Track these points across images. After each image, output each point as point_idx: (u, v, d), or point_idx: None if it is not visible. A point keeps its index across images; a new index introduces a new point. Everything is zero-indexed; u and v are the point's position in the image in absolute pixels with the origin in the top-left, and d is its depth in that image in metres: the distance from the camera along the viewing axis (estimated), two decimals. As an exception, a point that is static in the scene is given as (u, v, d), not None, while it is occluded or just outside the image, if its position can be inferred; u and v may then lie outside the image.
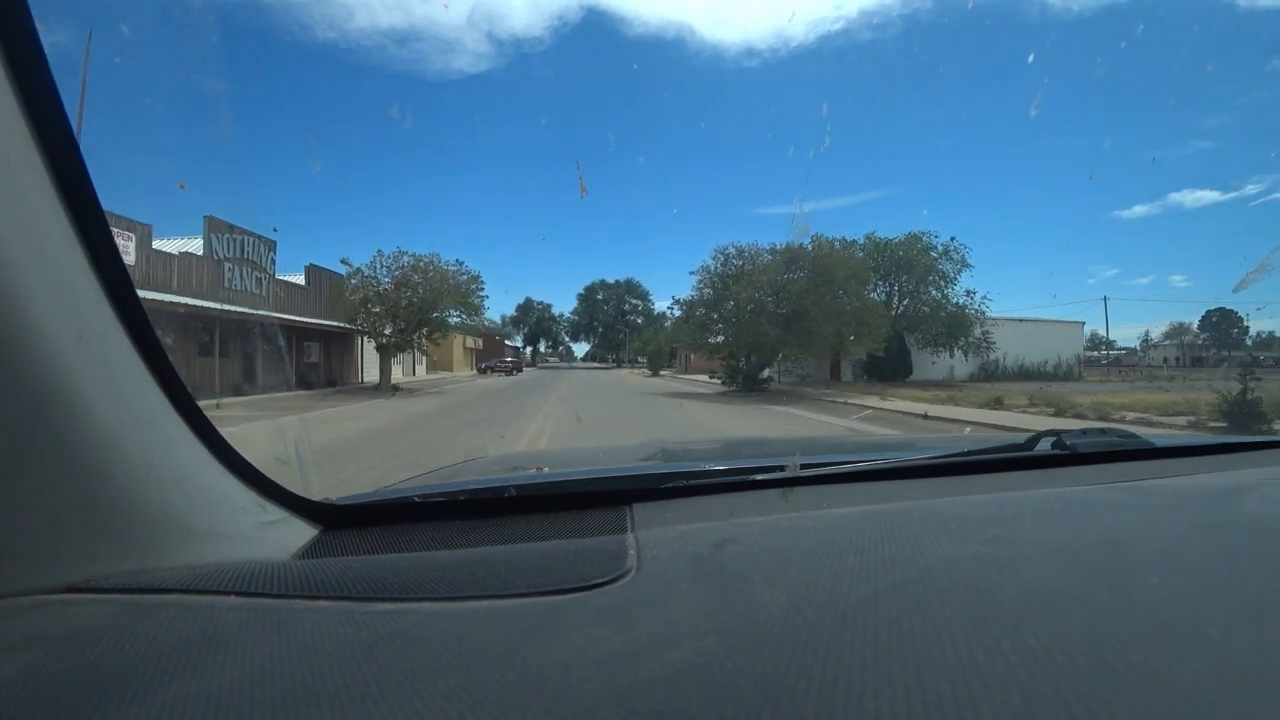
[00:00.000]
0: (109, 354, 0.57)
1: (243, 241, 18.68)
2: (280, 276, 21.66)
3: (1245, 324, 69.27)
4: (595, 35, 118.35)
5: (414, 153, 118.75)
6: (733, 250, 20.87)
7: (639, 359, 55.14)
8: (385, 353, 21.56)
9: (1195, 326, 74.31)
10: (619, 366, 69.93)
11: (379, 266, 21.15)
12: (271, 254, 20.04)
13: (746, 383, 20.44)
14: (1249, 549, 0.61)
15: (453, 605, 0.52)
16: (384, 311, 21.10)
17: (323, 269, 23.41)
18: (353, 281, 21.03)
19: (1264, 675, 0.38)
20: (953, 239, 26.28)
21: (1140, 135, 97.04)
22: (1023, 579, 0.52)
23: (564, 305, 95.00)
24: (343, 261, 20.96)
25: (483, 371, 45.86)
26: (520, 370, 47.20)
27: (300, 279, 22.94)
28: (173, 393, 0.64)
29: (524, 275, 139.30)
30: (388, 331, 21.56)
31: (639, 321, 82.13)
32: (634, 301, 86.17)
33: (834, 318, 18.78)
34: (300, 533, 0.79)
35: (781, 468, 0.98)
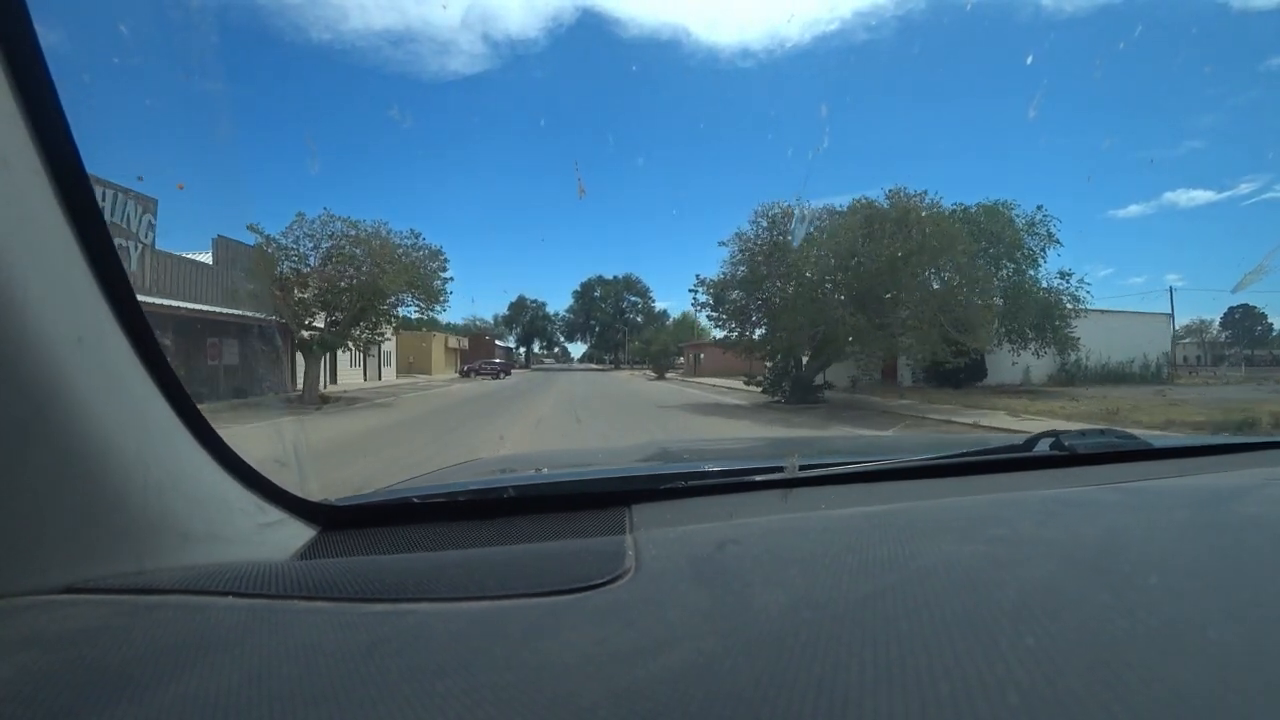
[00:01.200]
0: (108, 356, 0.56)
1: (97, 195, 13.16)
2: (184, 254, 16.27)
3: (1268, 320, 65.63)
4: (590, 37, 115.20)
5: (410, 153, 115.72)
6: (779, 211, 15.39)
7: (642, 360, 49.72)
8: (308, 352, 15.88)
9: (1217, 324, 70.99)
10: (617, 368, 64.77)
11: (300, 236, 15.50)
12: (149, 216, 14.42)
13: (798, 390, 15.11)
14: (1248, 550, 0.61)
15: (451, 606, 0.52)
16: (312, 297, 15.63)
17: (239, 244, 17.75)
18: (269, 252, 15.35)
19: (1263, 676, 0.38)
20: (1040, 208, 20.74)
21: (1135, 135, 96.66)
22: (1021, 580, 0.51)
23: (560, 306, 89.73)
24: (250, 228, 15.02)
25: (465, 374, 40.40)
26: (508, 373, 41.64)
27: (207, 257, 17.41)
28: (172, 395, 0.63)
29: (520, 276, 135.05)
30: (318, 324, 16.11)
31: (638, 320, 76.92)
32: (633, 299, 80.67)
33: (930, 301, 13.47)
34: (298, 534, 0.77)
35: (780, 469, 0.96)
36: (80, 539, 0.55)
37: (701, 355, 43.62)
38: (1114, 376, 25.46)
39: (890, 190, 14.55)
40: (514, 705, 0.36)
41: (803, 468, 0.95)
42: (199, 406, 0.67)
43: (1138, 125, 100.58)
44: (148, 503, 0.58)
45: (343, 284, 15.62)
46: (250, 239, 15.41)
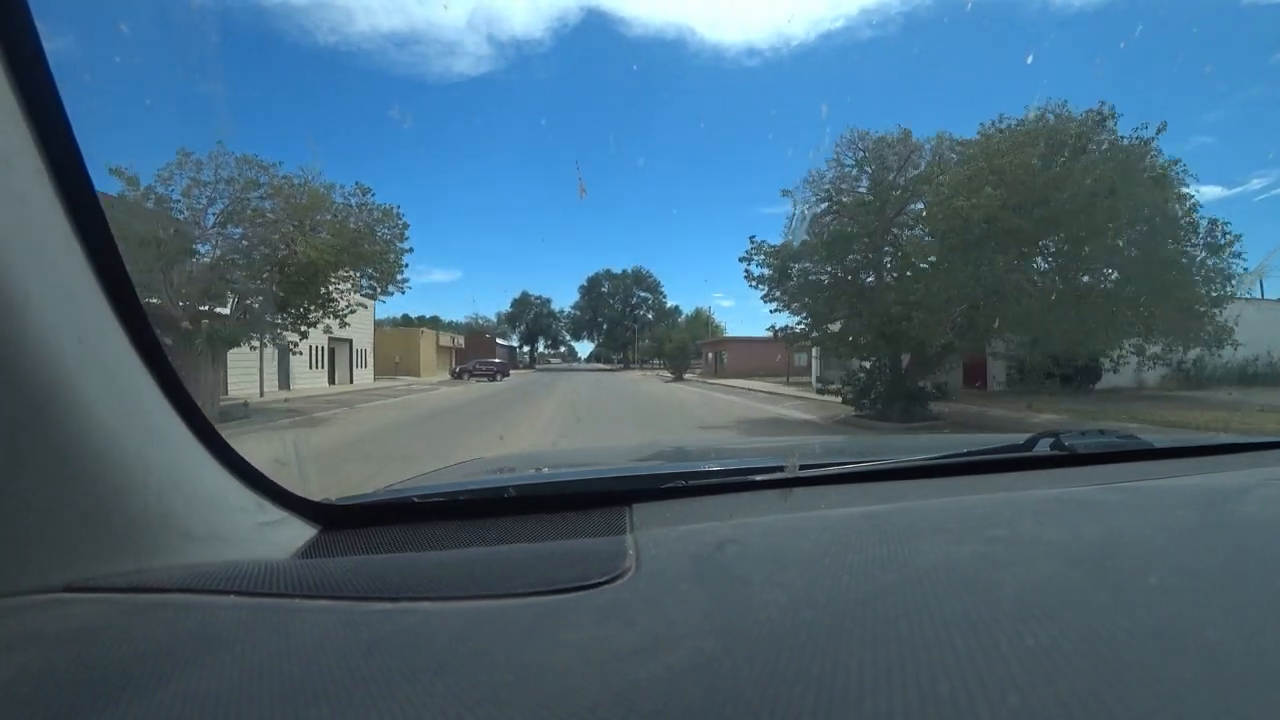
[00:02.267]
0: (108, 355, 0.57)
1: None
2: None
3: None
4: (595, 37, 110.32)
5: (415, 154, 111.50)
6: (883, 140, 10.57)
7: (652, 359, 45.10)
8: (192, 349, 10.77)
9: (1252, 319, 66.29)
10: (627, 367, 60.20)
11: (186, 184, 10.68)
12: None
13: (899, 400, 10.45)
14: (1248, 550, 0.61)
15: (452, 605, 0.52)
16: (209, 271, 11.06)
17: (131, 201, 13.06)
18: (148, 207, 10.59)
19: (1262, 676, 0.38)
20: (1178, 161, 15.77)
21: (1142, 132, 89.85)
22: (1021, 580, 0.51)
23: (566, 305, 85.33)
24: (113, 171, 10.01)
25: (458, 376, 35.92)
26: (506, 374, 37.08)
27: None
28: (172, 394, 0.63)
29: (525, 276, 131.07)
30: (223, 310, 11.57)
31: (649, 317, 72.30)
32: (643, 294, 76.03)
33: (1150, 261, 8.95)
34: (299, 532, 0.77)
35: (781, 468, 0.96)
36: (80, 538, 0.55)
37: (724, 354, 38.97)
38: (1240, 376, 20.61)
39: (1037, 109, 9.80)
40: (514, 704, 0.36)
41: (803, 467, 0.96)
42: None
43: (1145, 122, 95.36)
44: (148, 501, 0.58)
45: (256, 254, 11.07)
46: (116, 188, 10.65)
